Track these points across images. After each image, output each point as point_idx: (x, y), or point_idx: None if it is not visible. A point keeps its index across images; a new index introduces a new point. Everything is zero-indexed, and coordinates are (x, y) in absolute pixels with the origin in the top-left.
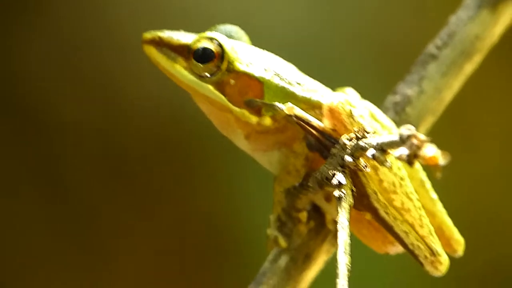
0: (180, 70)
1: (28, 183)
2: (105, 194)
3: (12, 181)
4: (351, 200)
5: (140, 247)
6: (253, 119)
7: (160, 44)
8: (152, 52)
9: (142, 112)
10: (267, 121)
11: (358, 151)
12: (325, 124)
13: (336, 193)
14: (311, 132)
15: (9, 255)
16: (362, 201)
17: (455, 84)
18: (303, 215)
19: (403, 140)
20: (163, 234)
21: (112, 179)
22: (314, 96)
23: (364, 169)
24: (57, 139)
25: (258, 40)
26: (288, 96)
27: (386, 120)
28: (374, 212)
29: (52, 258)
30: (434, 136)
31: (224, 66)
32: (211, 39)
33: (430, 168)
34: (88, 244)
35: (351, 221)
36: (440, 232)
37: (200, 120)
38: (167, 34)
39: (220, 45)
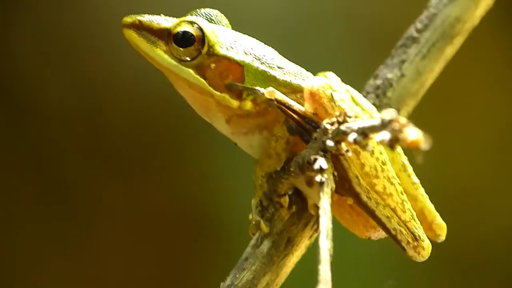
0: (160, 54)
1: (19, 177)
2: (95, 182)
3: (2, 173)
4: (333, 185)
5: (126, 232)
6: (234, 103)
7: (140, 27)
8: (132, 35)
9: (127, 93)
10: (248, 105)
11: (340, 135)
12: (306, 108)
13: (318, 177)
14: (292, 116)
15: (1, 252)
16: (344, 186)
17: (436, 67)
18: (285, 200)
19: (384, 124)
20: (147, 220)
21: (103, 171)
22: (295, 80)
23: (345, 154)
24: (47, 128)
25: (238, 24)
26: (268, 79)
27: (367, 104)
28: (356, 197)
29: (43, 250)
30: (415, 119)
31: (204, 50)
32: (191, 22)
33: (411, 152)
34: (80, 238)
35: (333, 205)
36: (422, 217)
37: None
38: (147, 18)
39: (200, 29)
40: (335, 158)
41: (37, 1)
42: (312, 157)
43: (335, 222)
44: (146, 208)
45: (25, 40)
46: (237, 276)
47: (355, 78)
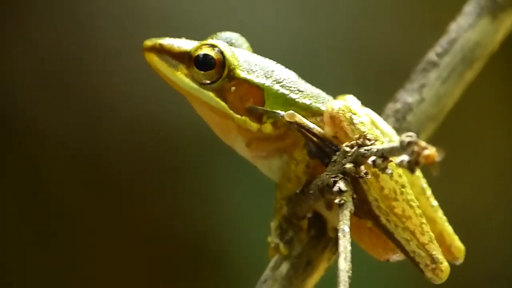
0: (181, 77)
1: (9, 193)
2: (90, 209)
3: None
4: (352, 207)
5: (128, 261)
6: (254, 126)
7: (161, 51)
8: (153, 59)
9: (127, 119)
10: (268, 128)
11: (359, 158)
12: (326, 131)
13: (337, 200)
14: (312, 139)
15: None
16: (363, 208)
17: (456, 92)
18: (304, 223)
19: (404, 147)
20: (154, 246)
21: (93, 186)
22: (315, 103)
23: (365, 176)
24: (38, 148)
25: (258, 48)
26: (288, 103)
27: (387, 127)
28: (375, 219)
29: (32, 268)
30: (435, 143)
31: (225, 73)
32: (212, 46)
33: (428, 171)
34: (68, 254)
35: (352, 228)
36: (441, 240)
37: (188, 126)
38: (168, 41)
39: (221, 52)
40: (354, 181)
41: (34, 31)
42: (332, 180)
43: (354, 244)
44: (150, 233)
45: (22, 66)
46: None
47: (375, 102)
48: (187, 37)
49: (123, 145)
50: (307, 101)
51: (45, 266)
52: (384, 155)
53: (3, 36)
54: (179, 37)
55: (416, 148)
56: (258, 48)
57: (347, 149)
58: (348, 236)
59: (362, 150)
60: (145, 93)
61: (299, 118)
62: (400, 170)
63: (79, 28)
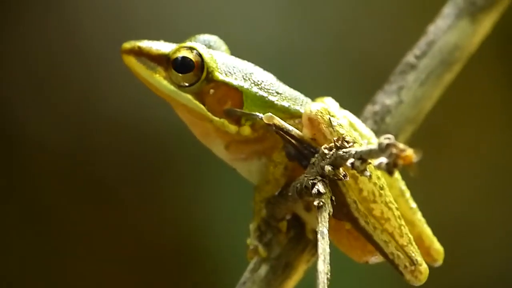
0: (159, 80)
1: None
2: (78, 215)
3: None
4: (331, 210)
5: (110, 259)
6: (233, 128)
7: (139, 54)
8: (131, 61)
9: (114, 122)
10: (247, 130)
11: (338, 160)
12: (304, 133)
13: (316, 202)
14: (290, 141)
15: None
16: (342, 211)
17: (434, 94)
18: (283, 225)
19: (382, 150)
20: (136, 250)
21: (83, 190)
22: (293, 106)
23: (343, 179)
24: (24, 150)
25: (237, 50)
26: (267, 105)
27: (365, 129)
28: (354, 222)
29: (19, 271)
30: (414, 145)
31: (203, 75)
32: (190, 48)
33: (407, 174)
34: (54, 256)
35: (331, 230)
36: (420, 242)
37: (173, 129)
38: (146, 44)
39: (199, 55)
40: (333, 183)
41: (19, 38)
42: (310, 182)
43: (332, 246)
44: (133, 237)
45: (9, 73)
46: None
47: (353, 104)
48: (166, 40)
49: (111, 148)
50: (285, 104)
51: (32, 270)
52: (363, 157)
53: None
54: (158, 39)
55: (394, 150)
56: (236, 50)
57: (326, 151)
58: (326, 238)
59: (340, 152)
60: (133, 97)
61: (278, 121)
62: (379, 172)
63: (67, 34)
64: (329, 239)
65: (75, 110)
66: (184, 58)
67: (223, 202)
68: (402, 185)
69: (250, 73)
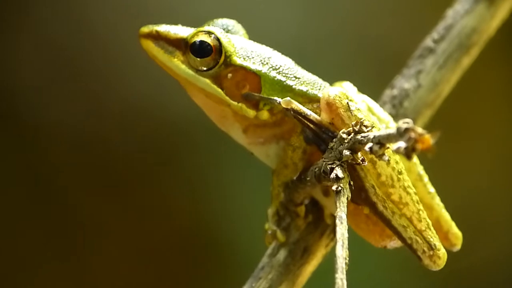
0: (177, 64)
1: (13, 183)
2: (94, 202)
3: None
4: (349, 194)
5: (128, 248)
6: (251, 112)
7: (157, 38)
8: (150, 45)
9: (132, 119)
10: (265, 114)
11: (356, 145)
12: (322, 117)
13: (334, 187)
14: (309, 125)
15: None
16: (360, 195)
17: (452, 78)
18: (301, 209)
19: (400, 134)
20: (154, 234)
21: (101, 188)
22: (311, 90)
23: (362, 163)
24: (42, 140)
25: (255, 35)
26: (285, 89)
27: (383, 113)
28: (372, 206)
29: (36, 259)
30: (433, 129)
31: (221, 60)
32: (208, 32)
33: (425, 158)
34: (72, 246)
35: (349, 215)
36: (438, 226)
37: (188, 119)
38: (164, 28)
39: (217, 39)
40: (351, 168)
41: (38, 15)
42: (329, 167)
43: (351, 231)
44: (150, 221)
45: (27, 62)
46: (253, 285)
47: (371, 88)
48: (184, 24)
49: (126, 136)
50: (303, 88)
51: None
52: (381, 141)
53: (8, 31)
54: (176, 23)
55: (412, 135)
56: (255, 34)
57: (344, 136)
58: (345, 223)
59: (359, 137)
60: (149, 86)
61: (296, 105)
62: (397, 157)
63: (83, 20)
64: (348, 224)
65: (91, 98)
66: (202, 42)
67: (241, 187)
68: (421, 169)
69: (268, 58)
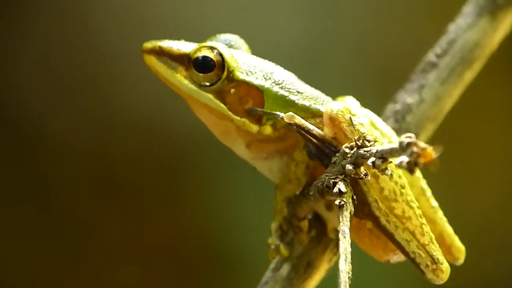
0: (180, 79)
1: (16, 196)
2: (97, 216)
3: (3, 206)
4: (352, 209)
5: (135, 266)
6: (254, 127)
7: (160, 53)
8: (153, 61)
9: (134, 133)
10: (268, 129)
11: (359, 159)
12: (325, 132)
13: (337, 201)
14: (312, 140)
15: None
16: (363, 210)
17: (455, 92)
18: (305, 224)
19: (403, 148)
20: (157, 250)
21: (104, 201)
22: (314, 105)
23: (364, 178)
24: (49, 161)
25: (257, 50)
26: (288, 104)
27: (386, 128)
28: (375, 220)
29: (40, 271)
30: (435, 143)
31: (224, 75)
32: (211, 48)
33: (428, 172)
34: (76, 257)
35: (352, 229)
36: (441, 240)
37: (192, 132)
38: (167, 44)
39: (220, 54)
40: (354, 182)
41: (39, 38)
42: (332, 181)
43: (354, 245)
44: (153, 237)
45: (26, 76)
46: None
47: (374, 103)
48: (187, 39)
49: (131, 148)
50: (306, 103)
51: (52, 267)
52: (384, 156)
53: (10, 42)
54: (178, 39)
55: (415, 149)
56: (257, 49)
57: (347, 150)
58: (348, 237)
59: (361, 151)
60: (153, 97)
61: (299, 120)
62: (400, 171)
63: (87, 33)
64: (351, 238)
65: (95, 109)
66: (205, 57)
67: (244, 202)
68: (423, 183)
69: (271, 73)
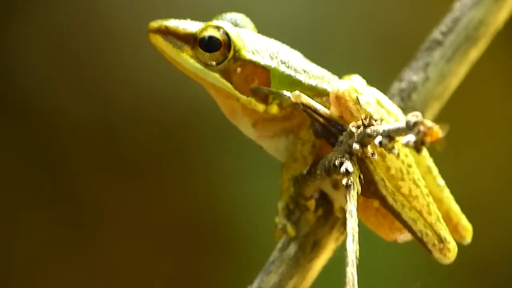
0: (186, 59)
1: (28, 181)
2: (104, 191)
3: (12, 181)
4: (359, 188)
5: (141, 243)
6: (260, 106)
7: (166, 33)
8: (158, 40)
9: (140, 108)
10: (274, 108)
11: (366, 138)
12: (331, 111)
13: (344, 180)
14: (318, 119)
15: (10, 256)
16: (370, 188)
17: (460, 70)
18: (311, 203)
19: (410, 127)
20: (164, 228)
21: (110, 175)
22: (320, 84)
23: (371, 156)
24: (56, 136)
25: (263, 28)
26: (294, 83)
27: (392, 106)
28: (382, 199)
29: (51, 254)
30: (442, 121)
31: (230, 54)
32: (217, 27)
33: (434, 150)
34: (87, 240)
35: (359, 208)
36: (448, 219)
37: (197, 108)
38: (173, 23)
39: (226, 34)
40: (361, 161)
41: (45, 12)
42: (338, 160)
43: (361, 225)
44: (160, 215)
45: (33, 50)
46: (264, 279)
47: (380, 81)
48: (192, 19)
49: (137, 125)
50: (312, 82)
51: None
52: (390, 135)
53: (15, 16)
54: (184, 18)
55: (422, 128)
56: (263, 28)
57: (353, 129)
58: (355, 216)
59: (368, 130)
60: (159, 74)
61: (305, 99)
62: (407, 150)
63: (93, 12)
64: (358, 217)
65: (101, 87)
66: (211, 37)
67: (250, 181)
68: (430, 162)
69: (277, 52)
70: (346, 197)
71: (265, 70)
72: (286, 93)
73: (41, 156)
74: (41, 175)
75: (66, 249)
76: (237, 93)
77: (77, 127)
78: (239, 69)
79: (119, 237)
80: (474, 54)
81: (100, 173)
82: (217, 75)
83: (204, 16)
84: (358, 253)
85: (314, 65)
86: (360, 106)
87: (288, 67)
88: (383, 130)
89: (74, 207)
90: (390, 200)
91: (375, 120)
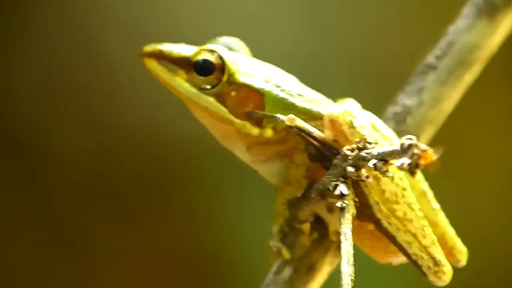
0: (180, 83)
1: (15, 206)
2: (99, 223)
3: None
4: (354, 211)
5: (137, 276)
6: (255, 130)
7: (161, 57)
8: (153, 65)
9: (133, 132)
10: (268, 132)
11: (360, 161)
12: (326, 134)
13: (339, 204)
14: (312, 142)
15: None
16: (365, 212)
17: (455, 94)
18: (306, 227)
19: (404, 150)
20: (157, 251)
21: (106, 208)
22: (315, 107)
23: (366, 180)
24: (50, 169)
25: (257, 52)
26: (288, 107)
27: (387, 130)
28: (377, 223)
29: (40, 280)
30: (436, 145)
31: (224, 78)
32: (211, 51)
33: (429, 174)
34: (78, 268)
35: (354, 231)
36: (443, 242)
37: (194, 140)
38: (167, 47)
39: (220, 57)
40: (355, 184)
41: (40, 43)
42: (333, 184)
43: (356, 248)
44: (154, 250)
45: (28, 81)
46: None
47: (374, 105)
48: (186, 43)
49: (131, 157)
50: (307, 105)
51: (52, 277)
52: (385, 158)
53: (8, 49)
54: (178, 42)
55: (416, 151)
56: (257, 52)
57: (348, 152)
58: (350, 239)
59: (362, 153)
60: (153, 105)
61: (299, 122)
62: (401, 173)
63: (86, 39)
64: (352, 240)
65: (95, 116)
66: (205, 60)
67: (245, 205)
68: (425, 185)
69: (272, 75)
70: (340, 220)
71: (260, 94)
72: (281, 116)
73: (34, 189)
74: (33, 211)
75: (53, 276)
76: (231, 117)
77: (72, 159)
78: (233, 93)
79: (115, 269)
80: (469, 78)
81: (92, 206)
82: (211, 99)
83: (198, 40)
84: (353, 276)
85: (308, 89)
86: (355, 129)
87: (282, 90)
88: (378, 153)
89: (66, 242)
90: (385, 223)
91: (370, 143)
